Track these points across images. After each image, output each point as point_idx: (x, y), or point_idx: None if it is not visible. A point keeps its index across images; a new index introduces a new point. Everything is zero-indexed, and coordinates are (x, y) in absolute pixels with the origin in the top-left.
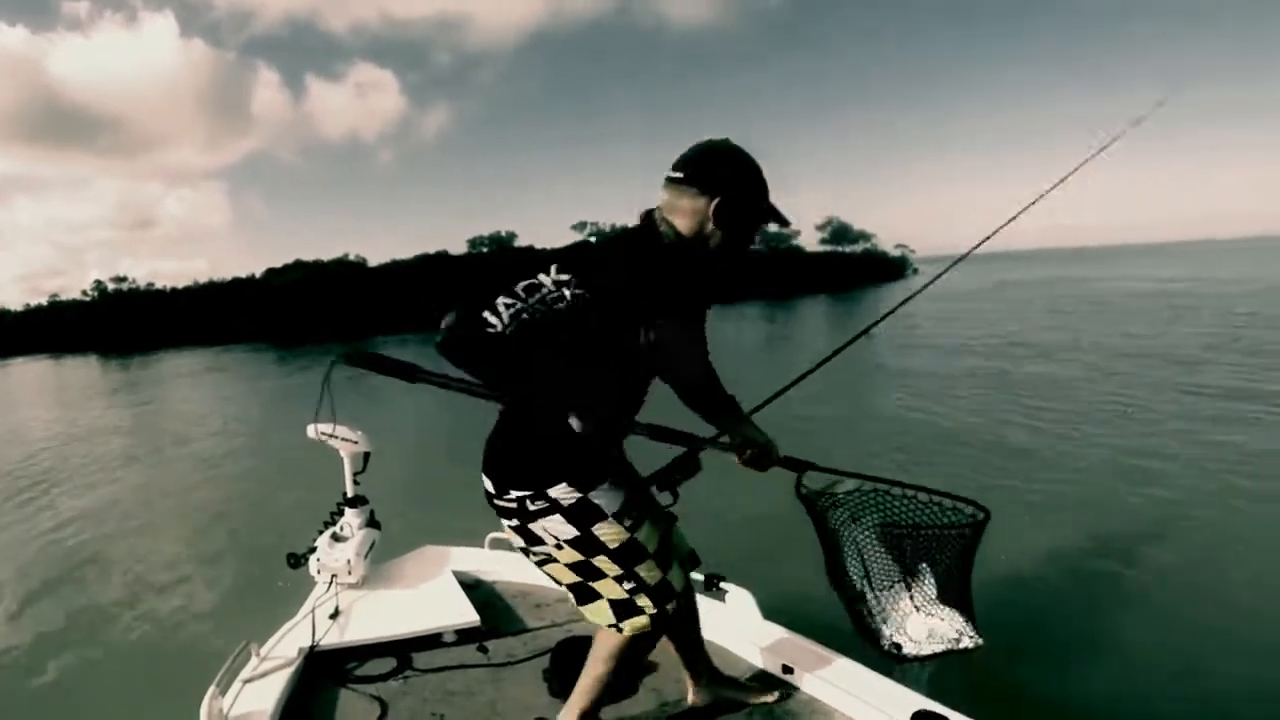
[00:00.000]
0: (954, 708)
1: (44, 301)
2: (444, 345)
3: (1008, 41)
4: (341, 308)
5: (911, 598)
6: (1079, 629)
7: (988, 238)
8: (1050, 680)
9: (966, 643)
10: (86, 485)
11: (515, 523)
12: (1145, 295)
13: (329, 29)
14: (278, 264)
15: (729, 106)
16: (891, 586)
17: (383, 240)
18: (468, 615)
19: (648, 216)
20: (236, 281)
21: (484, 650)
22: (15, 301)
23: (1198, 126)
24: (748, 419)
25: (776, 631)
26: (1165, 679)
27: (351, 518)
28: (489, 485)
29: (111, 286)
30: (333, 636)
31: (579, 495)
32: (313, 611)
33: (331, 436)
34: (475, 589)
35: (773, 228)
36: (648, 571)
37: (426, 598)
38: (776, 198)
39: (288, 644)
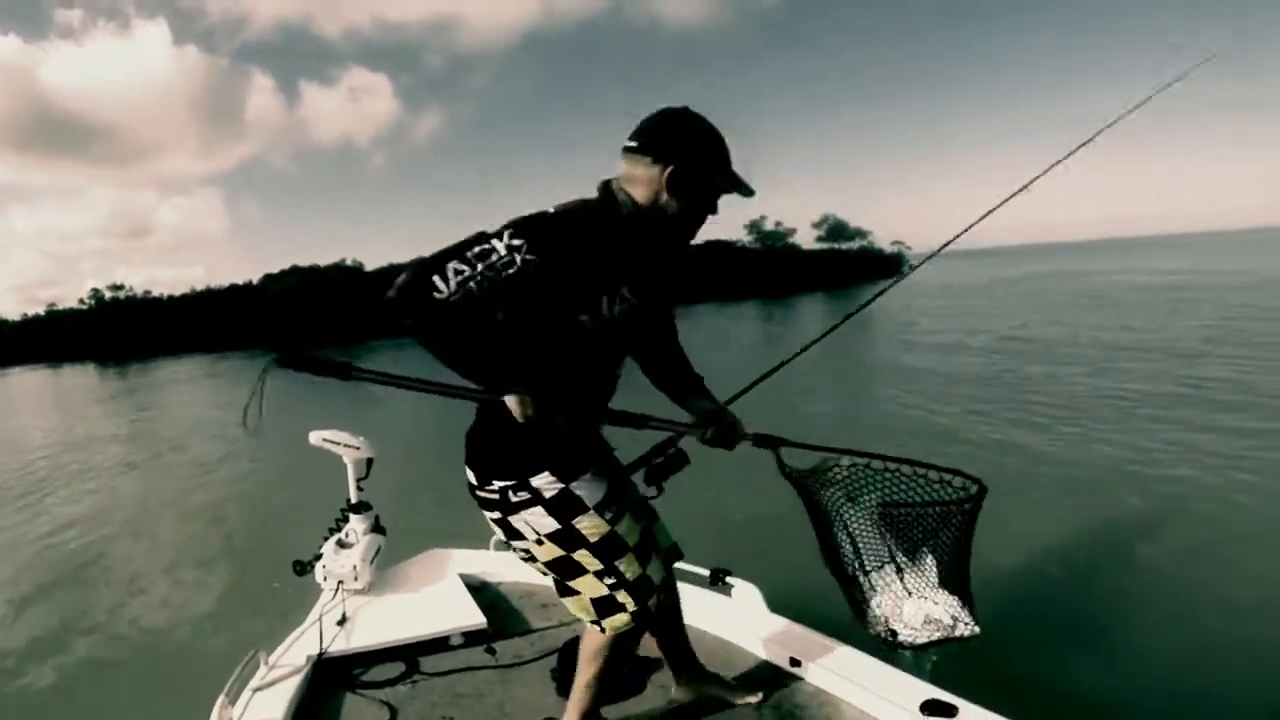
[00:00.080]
0: (963, 697)
1: (41, 311)
2: (390, 304)
3: (1005, 38)
4: (339, 313)
5: (904, 581)
6: (1083, 620)
7: (980, 219)
8: (1057, 669)
9: (962, 630)
10: (84, 491)
11: (497, 515)
12: (1146, 289)
13: (322, 33)
14: (274, 270)
15: (724, 106)
16: (884, 569)
17: (378, 244)
18: (474, 618)
19: (605, 187)
20: (233, 288)
21: (492, 652)
22: (12, 312)
23: (1200, 119)
24: (712, 398)
25: (783, 624)
26: (1167, 669)
27: (356, 524)
28: (471, 477)
29: (108, 295)
30: (341, 643)
31: (561, 486)
32: (320, 618)
33: (334, 443)
34: (481, 591)
35: (769, 225)
36: (628, 566)
37: (433, 601)
38: (769, 194)
39: (296, 651)
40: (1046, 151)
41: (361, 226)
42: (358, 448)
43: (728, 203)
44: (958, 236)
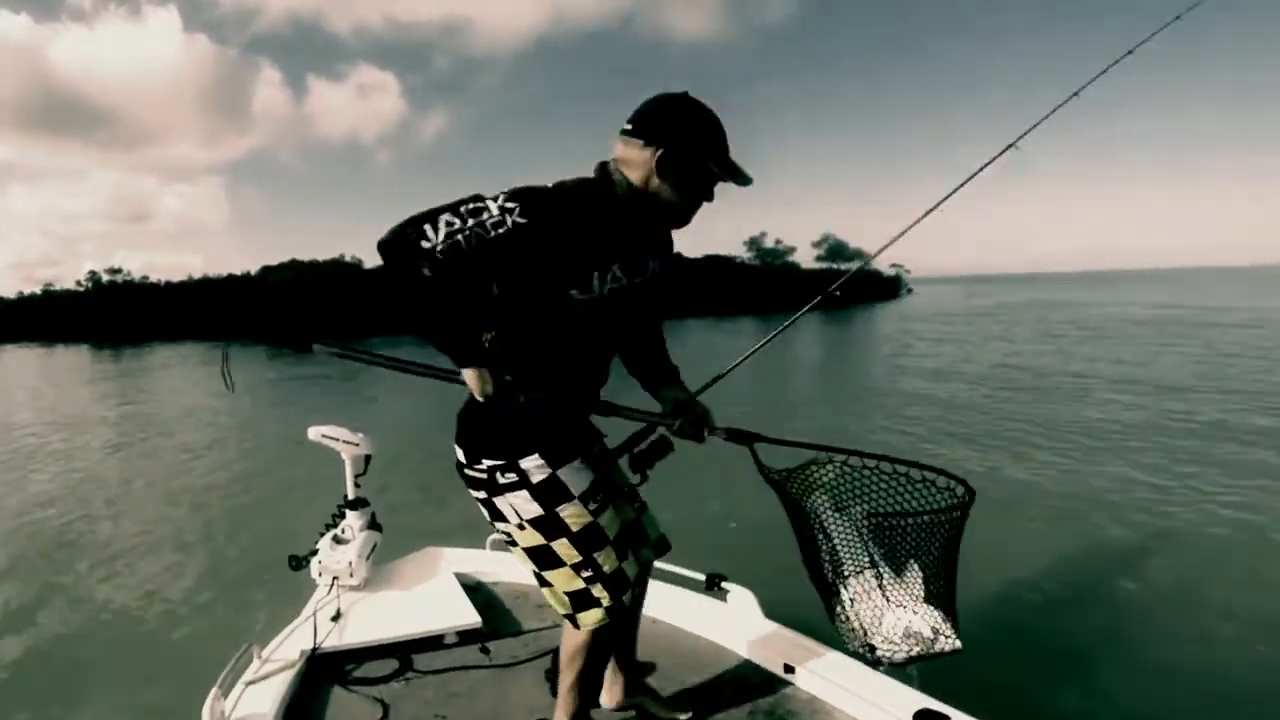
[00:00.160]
0: (956, 707)
1: (38, 290)
2: (380, 247)
3: (1017, 67)
4: (336, 307)
5: (885, 591)
6: (1065, 640)
7: (916, 221)
8: (1044, 684)
9: (944, 644)
10: (69, 470)
11: (483, 495)
12: (1140, 321)
13: (333, 29)
14: (273, 262)
15: (730, 121)
16: (863, 575)
17: None
18: (469, 617)
19: (602, 167)
20: (231, 278)
21: (486, 651)
22: (8, 289)
23: (1197, 155)
24: (684, 389)
25: (777, 630)
26: (1146, 691)
27: (353, 520)
28: (460, 454)
29: (106, 278)
30: (334, 638)
31: (549, 471)
32: (314, 614)
33: (333, 439)
34: (476, 590)
35: (769, 242)
36: (606, 559)
37: (428, 599)
38: (770, 211)
39: (289, 646)
40: (1044, 181)
41: (363, 224)
42: (356, 444)
43: (729, 218)
44: (888, 245)
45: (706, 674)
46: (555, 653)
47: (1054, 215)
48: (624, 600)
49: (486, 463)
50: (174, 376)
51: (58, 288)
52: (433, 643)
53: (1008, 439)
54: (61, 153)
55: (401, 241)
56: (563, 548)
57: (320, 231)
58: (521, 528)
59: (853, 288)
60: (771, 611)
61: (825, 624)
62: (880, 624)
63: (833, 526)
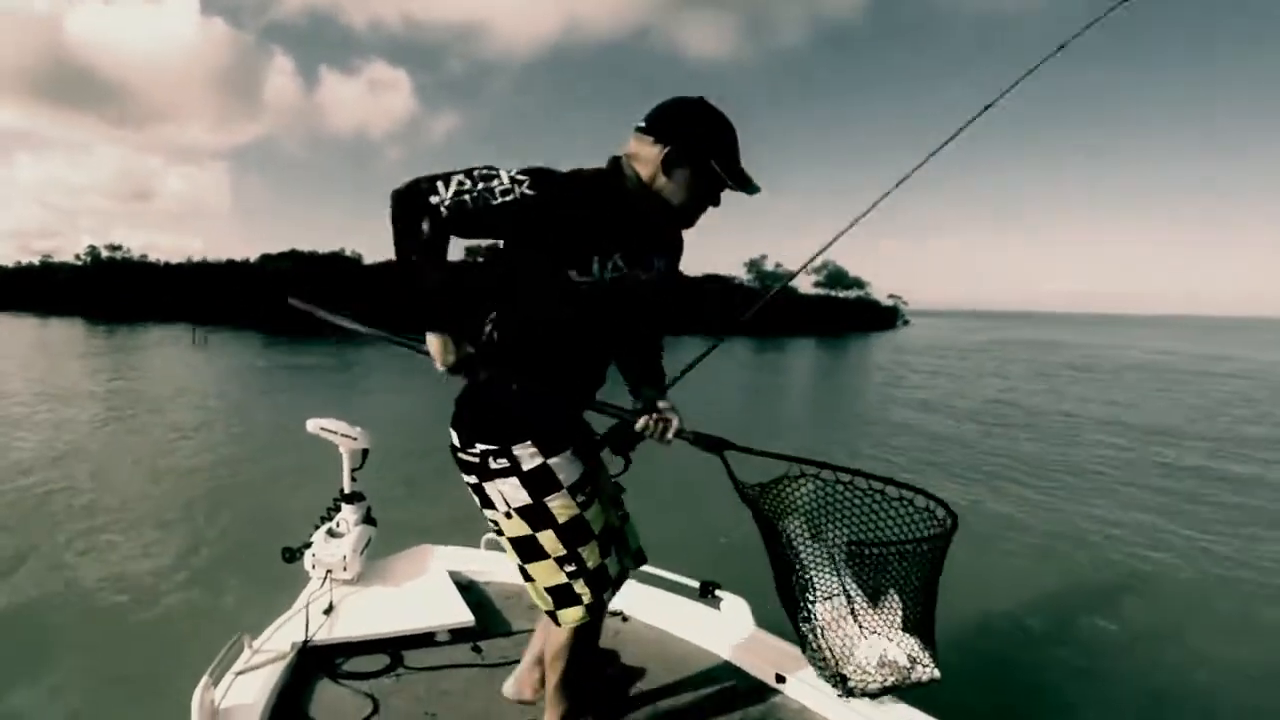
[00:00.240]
0: (957, 711)
1: (35, 261)
2: (394, 193)
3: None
4: (332, 300)
5: (858, 618)
6: (1047, 672)
7: (830, 244)
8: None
9: (921, 674)
10: (56, 440)
11: (474, 480)
12: (1135, 366)
13: (349, 23)
14: (273, 251)
15: (740, 139)
16: (834, 600)
17: (381, 238)
18: (462, 615)
19: (615, 160)
20: (231, 264)
21: (478, 650)
22: (5, 258)
23: (1195, 204)
24: (662, 392)
25: (770, 640)
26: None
27: (348, 514)
28: (454, 438)
29: (105, 254)
30: (326, 632)
31: (541, 460)
32: (307, 606)
33: (331, 432)
34: (469, 589)
35: (769, 265)
36: (590, 554)
37: (421, 596)
38: (774, 236)
39: (281, 638)
40: (1043, 216)
41: (366, 220)
42: (354, 438)
43: (731, 238)
44: (810, 261)
45: (697, 681)
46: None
47: (1053, 255)
48: (604, 599)
49: (480, 447)
50: (167, 356)
51: (56, 260)
52: (424, 640)
53: (993, 474)
54: (70, 125)
55: (413, 193)
56: (548, 539)
57: (322, 224)
58: (509, 515)
59: (850, 317)
60: (764, 621)
61: None
62: (853, 653)
63: (805, 547)
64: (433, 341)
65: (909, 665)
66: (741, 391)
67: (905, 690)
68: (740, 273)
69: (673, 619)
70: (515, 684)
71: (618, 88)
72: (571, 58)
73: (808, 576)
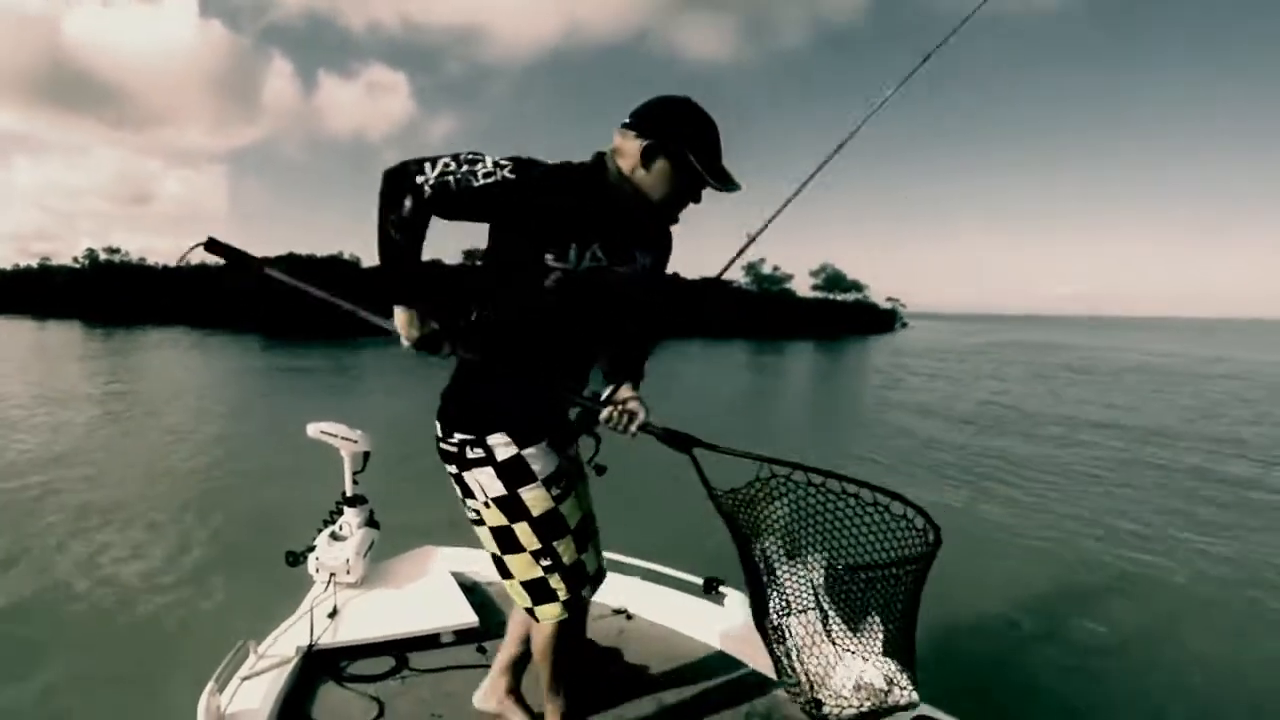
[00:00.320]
0: (954, 714)
1: (33, 264)
2: (386, 172)
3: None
4: (330, 305)
5: (833, 637)
6: (1040, 676)
7: (745, 246)
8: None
9: (899, 696)
10: (51, 442)
11: (454, 469)
12: (1132, 368)
13: (347, 25)
14: (271, 254)
15: (740, 142)
16: (807, 616)
17: None
18: (466, 616)
19: (599, 155)
20: (229, 267)
21: (482, 651)
22: (3, 261)
23: (1191, 207)
24: (633, 386)
25: None
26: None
27: (351, 517)
28: (437, 428)
29: (103, 256)
30: (330, 635)
31: (515, 450)
32: (311, 610)
33: (332, 435)
34: (473, 590)
35: (767, 269)
36: (565, 549)
37: (425, 598)
38: (772, 239)
39: (285, 642)
40: (1045, 219)
41: (364, 224)
42: (355, 441)
43: (730, 240)
44: (774, 217)
45: (702, 677)
46: None
47: (1053, 257)
48: (582, 595)
49: (458, 437)
50: (165, 359)
51: (54, 263)
52: (429, 641)
53: (989, 475)
54: (68, 127)
55: (401, 171)
56: (523, 532)
57: (320, 227)
58: (487, 505)
59: (848, 319)
60: None
61: None
62: (829, 678)
63: (778, 557)
64: (399, 315)
65: (886, 688)
66: (738, 394)
67: (881, 715)
68: (739, 276)
69: (676, 615)
70: (483, 693)
71: (618, 90)
72: (571, 61)
73: (782, 587)
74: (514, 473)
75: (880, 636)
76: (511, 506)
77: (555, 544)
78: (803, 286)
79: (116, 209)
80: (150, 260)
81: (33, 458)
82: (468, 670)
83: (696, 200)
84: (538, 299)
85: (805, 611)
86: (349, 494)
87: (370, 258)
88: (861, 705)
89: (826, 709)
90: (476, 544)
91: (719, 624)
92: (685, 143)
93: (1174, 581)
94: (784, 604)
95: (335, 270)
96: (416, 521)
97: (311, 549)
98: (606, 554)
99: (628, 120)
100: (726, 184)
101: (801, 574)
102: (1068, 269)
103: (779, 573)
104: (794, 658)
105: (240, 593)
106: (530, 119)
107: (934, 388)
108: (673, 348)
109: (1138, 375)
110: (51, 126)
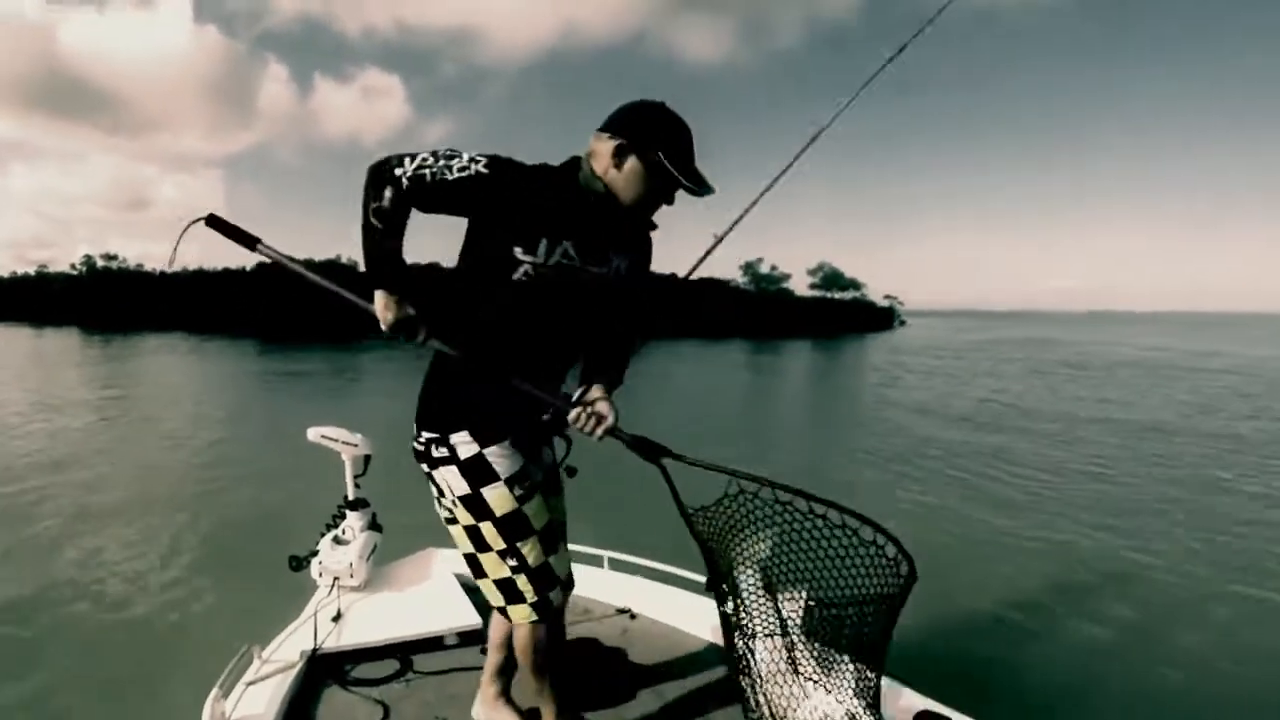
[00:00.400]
0: (957, 709)
1: (31, 271)
2: (370, 167)
3: (1014, 110)
4: (328, 308)
5: (797, 666)
6: (1032, 674)
7: (706, 253)
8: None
9: None
10: (50, 449)
11: (425, 468)
12: (1127, 363)
13: (342, 30)
14: (266, 258)
15: (740, 145)
16: (773, 639)
17: None
18: (470, 618)
19: (574, 157)
20: (227, 272)
21: (486, 653)
22: (1, 268)
23: (1189, 200)
24: (606, 388)
25: None
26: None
27: (353, 520)
28: (414, 428)
29: (101, 263)
30: (335, 639)
31: (476, 449)
32: (315, 614)
33: (332, 440)
34: (477, 592)
35: (765, 268)
36: (530, 550)
37: (428, 600)
38: (769, 237)
39: (290, 647)
40: (1042, 215)
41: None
42: (355, 444)
43: (727, 240)
44: (695, 264)
45: (705, 674)
46: None
47: (1048, 253)
48: (550, 598)
49: (425, 435)
50: (163, 365)
51: (52, 270)
52: (433, 644)
53: (987, 474)
54: (64, 134)
55: (383, 164)
56: (489, 531)
57: (317, 232)
58: (455, 504)
59: (846, 318)
60: None
61: None
62: (792, 712)
63: (746, 583)
64: (378, 298)
65: None
66: (735, 394)
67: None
68: (736, 275)
69: (680, 613)
70: (476, 704)
71: (614, 93)
72: (568, 62)
73: (749, 611)
74: (476, 471)
75: (849, 672)
76: (476, 505)
77: (519, 545)
78: (800, 285)
79: (113, 215)
80: (147, 266)
81: (30, 463)
82: (472, 672)
83: (669, 202)
84: (506, 292)
85: (770, 637)
86: (351, 498)
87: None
88: None
89: None
90: None
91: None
92: (656, 143)
93: (1171, 579)
94: (750, 629)
95: (334, 274)
96: (419, 524)
97: (314, 553)
98: (610, 553)
99: (602, 124)
100: (700, 187)
101: (767, 599)
102: (1062, 265)
103: (745, 595)
104: (758, 688)
105: (243, 598)
106: (526, 121)
107: (932, 385)
108: (668, 347)
109: (1133, 370)
110: (47, 133)
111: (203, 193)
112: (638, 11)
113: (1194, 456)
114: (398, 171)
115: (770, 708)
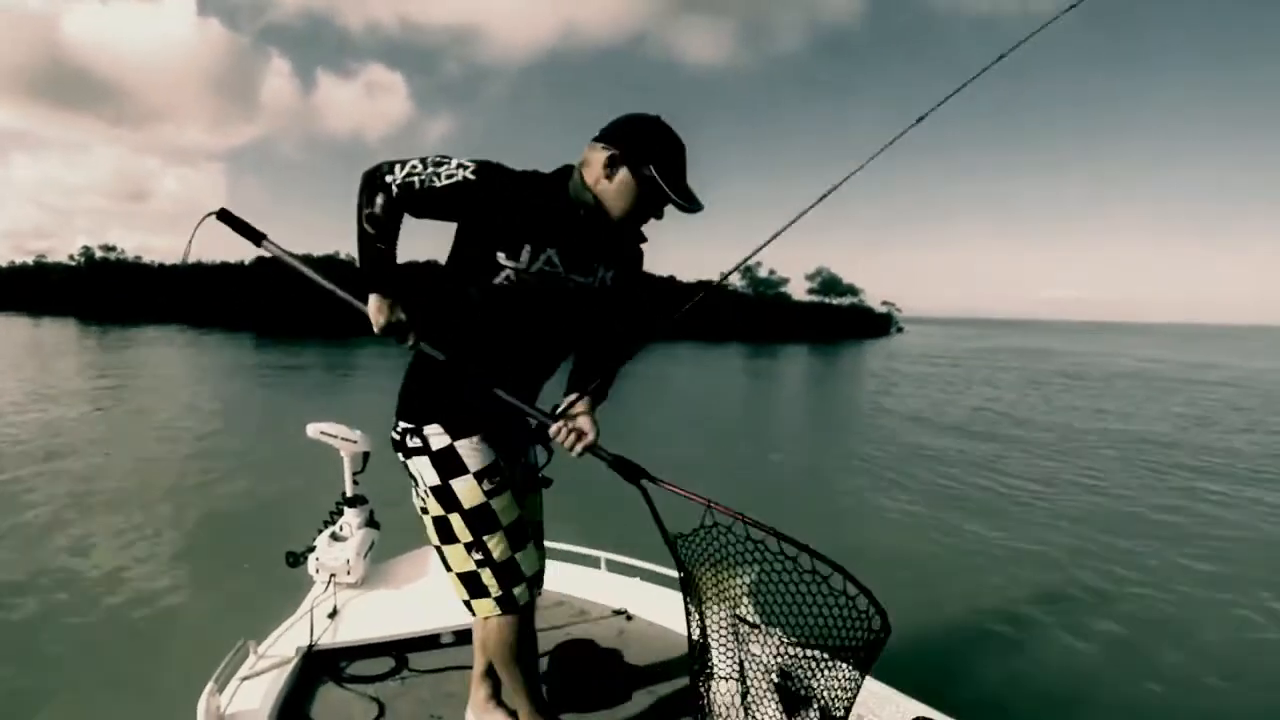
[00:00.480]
0: (953, 715)
1: (29, 261)
2: (364, 173)
3: (1017, 121)
4: (325, 304)
5: (750, 711)
6: (1034, 678)
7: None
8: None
9: None
10: (47, 440)
11: (401, 457)
12: (1124, 374)
13: (345, 25)
14: (267, 253)
15: (737, 145)
16: (730, 683)
17: None
18: (466, 617)
19: (566, 166)
20: (225, 266)
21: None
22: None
23: (1186, 213)
24: (590, 402)
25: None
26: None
27: (351, 517)
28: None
29: (100, 254)
30: (331, 636)
31: (447, 441)
32: (311, 611)
33: (331, 436)
34: None
35: (763, 272)
36: (496, 545)
37: (425, 598)
38: (772, 243)
39: (285, 643)
40: (1044, 223)
41: None
42: (354, 441)
43: (724, 245)
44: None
45: None
46: (550, 656)
47: (1047, 262)
48: (515, 594)
49: (400, 426)
50: (161, 357)
51: (50, 260)
52: (429, 642)
53: (983, 483)
54: (67, 125)
55: (375, 171)
56: (456, 523)
57: (317, 227)
58: (427, 495)
59: (843, 323)
60: None
61: None
62: None
63: (712, 618)
64: (371, 301)
65: None
66: (733, 396)
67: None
68: (734, 279)
69: (677, 616)
70: (472, 709)
71: (614, 94)
72: (569, 62)
73: (709, 647)
74: (447, 463)
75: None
76: (445, 497)
77: (485, 538)
78: (798, 290)
79: (114, 206)
80: (147, 258)
81: (23, 452)
82: (468, 671)
83: (658, 216)
84: (488, 297)
85: (729, 679)
86: (349, 494)
87: None
88: None
89: None
90: None
91: None
92: (649, 156)
93: (1162, 591)
94: (709, 667)
95: (332, 270)
96: (417, 522)
97: (312, 549)
98: (606, 554)
99: (597, 135)
100: (689, 203)
101: (731, 638)
102: (1062, 274)
103: (710, 630)
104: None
105: (240, 593)
106: (527, 121)
107: (927, 394)
108: (666, 350)
109: (1130, 381)
110: (50, 123)
111: (204, 186)
112: (638, 13)
113: (1188, 470)
114: (388, 179)
115: None
